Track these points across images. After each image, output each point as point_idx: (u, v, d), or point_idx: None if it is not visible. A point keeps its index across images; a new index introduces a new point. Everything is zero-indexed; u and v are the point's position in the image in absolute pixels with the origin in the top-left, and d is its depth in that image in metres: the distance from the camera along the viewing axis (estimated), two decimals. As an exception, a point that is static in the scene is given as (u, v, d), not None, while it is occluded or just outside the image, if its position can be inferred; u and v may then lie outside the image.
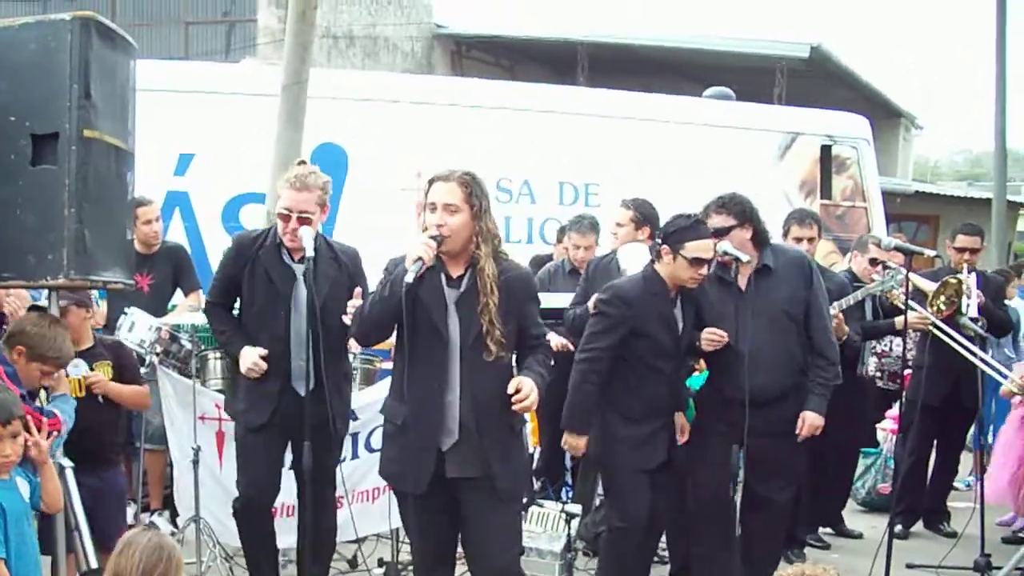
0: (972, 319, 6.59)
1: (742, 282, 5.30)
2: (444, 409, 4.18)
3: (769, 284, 5.29)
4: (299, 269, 4.96)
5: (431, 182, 4.25)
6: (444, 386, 4.18)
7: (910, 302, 5.89)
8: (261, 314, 5.04)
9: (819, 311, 5.40)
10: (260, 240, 5.08)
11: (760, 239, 5.34)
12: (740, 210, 5.29)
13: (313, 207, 4.91)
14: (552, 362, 4.45)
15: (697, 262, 4.99)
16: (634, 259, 5.70)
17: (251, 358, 4.98)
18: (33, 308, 4.62)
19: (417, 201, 4.31)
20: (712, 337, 5.19)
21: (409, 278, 3.97)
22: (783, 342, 5.26)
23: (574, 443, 5.20)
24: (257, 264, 5.03)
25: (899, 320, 6.67)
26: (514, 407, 4.13)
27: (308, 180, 4.91)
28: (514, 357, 4.39)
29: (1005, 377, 6.79)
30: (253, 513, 5.14)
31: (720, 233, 5.22)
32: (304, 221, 4.87)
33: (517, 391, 4.09)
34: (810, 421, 5.28)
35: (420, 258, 4.00)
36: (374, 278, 4.59)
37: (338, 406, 5.06)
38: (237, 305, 5.27)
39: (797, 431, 5.28)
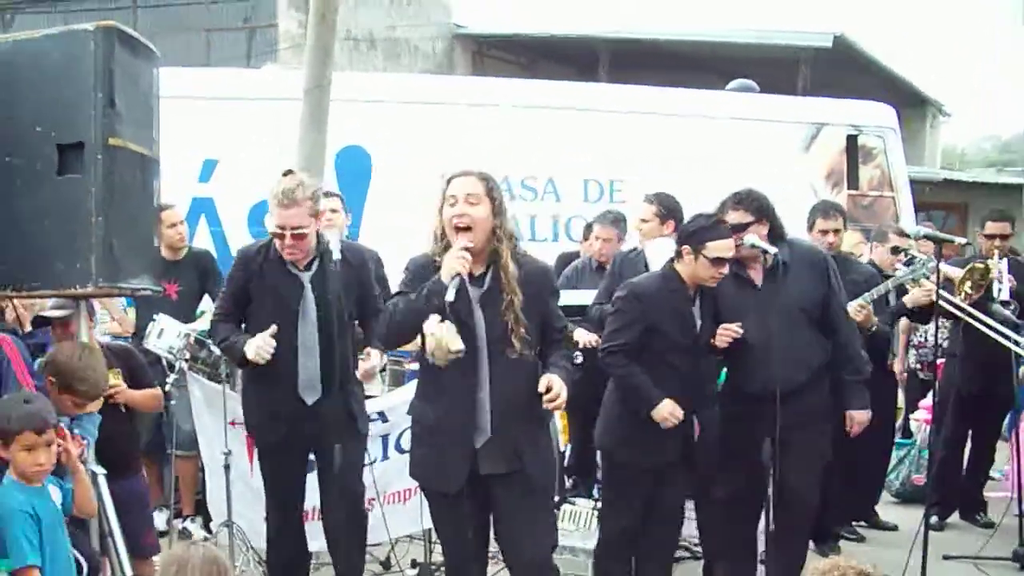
0: (1004, 302, 6.54)
1: (756, 278, 5.28)
2: (475, 407, 4.21)
3: (785, 279, 5.25)
4: (305, 277, 4.95)
5: (449, 180, 4.28)
6: (474, 384, 4.20)
7: (942, 292, 5.84)
8: (267, 324, 4.93)
9: (838, 305, 5.38)
10: (264, 252, 5.03)
11: (776, 235, 5.32)
12: (757, 206, 5.27)
13: (306, 220, 4.83)
14: (581, 358, 4.46)
15: (718, 262, 4.97)
16: (662, 255, 5.67)
17: (257, 341, 4.89)
18: (40, 319, 4.62)
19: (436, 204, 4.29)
20: (726, 334, 5.17)
21: (450, 296, 4.00)
22: (798, 338, 5.22)
23: (664, 413, 4.99)
24: (263, 276, 4.98)
25: (907, 298, 6.64)
26: (546, 406, 4.15)
27: (295, 195, 4.80)
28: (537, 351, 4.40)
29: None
30: (285, 535, 5.18)
31: (737, 229, 5.20)
32: (298, 237, 4.83)
33: (548, 389, 4.11)
34: (857, 419, 5.32)
35: (458, 274, 4.03)
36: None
37: (356, 405, 5.07)
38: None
39: (848, 429, 5.31)
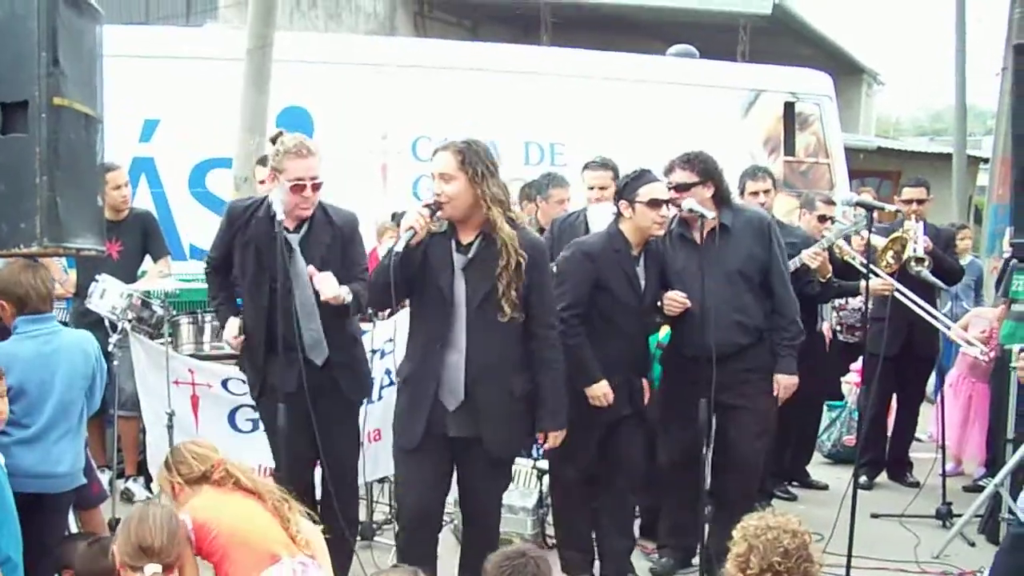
0: (918, 259, 6.76)
1: (699, 239, 5.34)
2: (445, 369, 4.31)
3: (727, 243, 5.36)
4: (295, 239, 4.88)
5: (434, 153, 4.37)
6: (445, 346, 4.30)
7: (862, 259, 6.00)
8: (253, 285, 4.92)
9: (779, 271, 5.49)
10: (251, 210, 4.96)
11: (721, 198, 5.42)
12: (703, 168, 5.37)
13: (320, 171, 4.84)
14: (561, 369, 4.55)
15: (654, 204, 5.05)
16: (604, 219, 5.74)
17: (229, 332, 5.04)
18: None
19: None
20: (674, 303, 5.28)
21: (398, 247, 4.16)
22: (738, 300, 5.35)
23: (598, 393, 5.08)
24: (248, 235, 4.90)
25: (863, 285, 6.85)
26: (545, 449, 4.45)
27: (309, 144, 4.83)
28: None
29: (949, 329, 7.01)
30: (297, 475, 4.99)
31: (681, 189, 5.29)
32: (317, 188, 4.82)
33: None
34: (784, 383, 5.43)
35: (411, 227, 4.17)
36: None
37: (346, 372, 4.97)
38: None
39: (774, 394, 5.42)
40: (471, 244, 4.33)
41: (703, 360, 5.03)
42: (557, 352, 4.53)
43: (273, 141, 4.99)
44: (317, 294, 4.80)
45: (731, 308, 5.31)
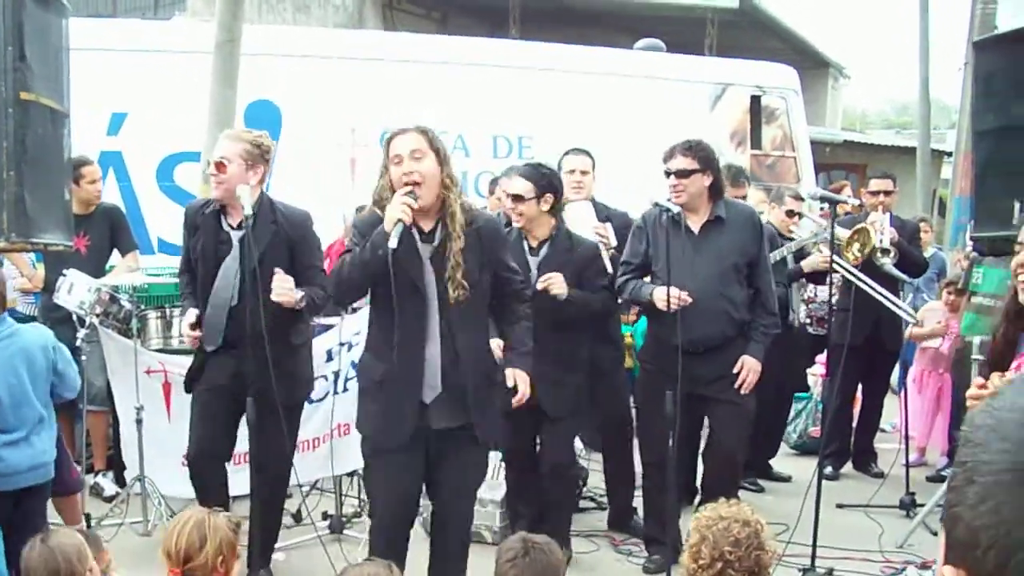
0: (883, 250, 6.84)
1: (694, 228, 5.42)
2: (425, 364, 4.22)
3: (720, 234, 5.41)
4: (236, 235, 4.92)
5: (389, 140, 4.20)
6: (424, 341, 4.20)
7: (825, 250, 6.09)
8: (203, 281, 5.00)
9: (765, 264, 5.56)
10: (201, 208, 5.07)
11: (717, 189, 5.46)
12: (704, 156, 5.40)
13: (233, 154, 4.91)
14: (530, 323, 4.54)
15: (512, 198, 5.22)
16: (580, 218, 5.78)
17: (186, 321, 5.06)
18: None
19: (384, 165, 4.25)
20: (676, 300, 5.21)
21: (393, 243, 3.95)
22: (727, 292, 5.38)
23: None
24: (199, 232, 5.01)
25: (805, 263, 7.00)
26: (514, 404, 4.34)
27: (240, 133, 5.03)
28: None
29: (913, 321, 7.11)
30: (203, 465, 5.13)
31: (681, 175, 5.33)
32: (220, 166, 4.85)
33: (515, 388, 4.34)
34: (749, 365, 5.40)
35: (400, 220, 3.97)
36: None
37: (283, 374, 4.88)
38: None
39: (736, 371, 5.39)
40: (434, 231, 4.21)
41: (689, 352, 5.06)
42: (526, 307, 4.52)
43: None
44: (243, 288, 4.86)
45: (720, 299, 5.35)
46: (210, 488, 5.00)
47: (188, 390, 5.18)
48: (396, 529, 4.37)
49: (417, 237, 4.18)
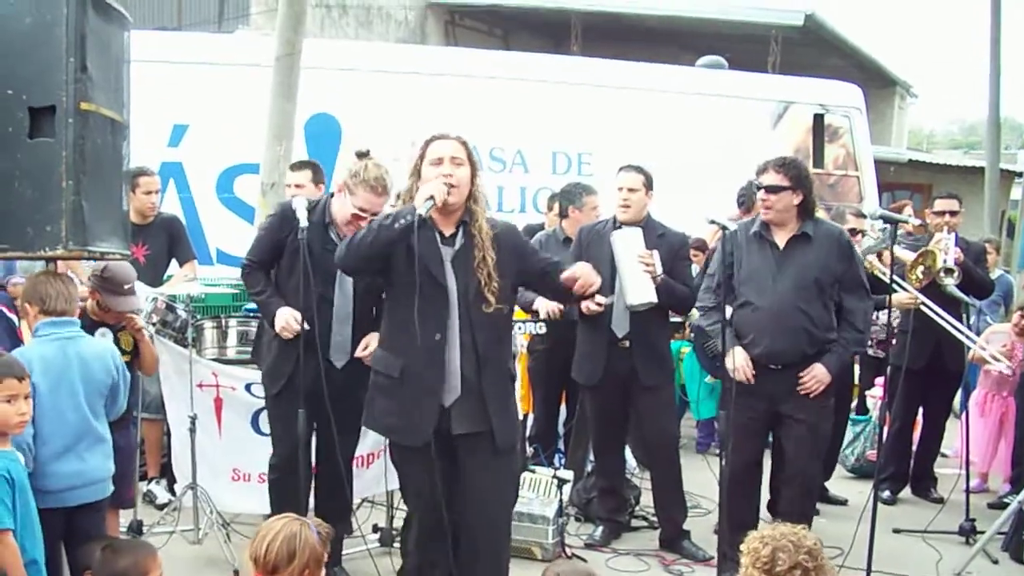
0: (948, 270, 6.71)
1: (780, 242, 5.42)
2: (445, 364, 4.24)
3: (805, 251, 5.38)
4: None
5: (429, 141, 4.34)
6: (444, 340, 4.23)
7: (884, 270, 5.98)
8: (299, 286, 4.92)
9: (856, 284, 5.46)
10: (308, 214, 4.98)
11: (806, 208, 5.43)
12: (796, 174, 5.39)
13: (386, 208, 4.90)
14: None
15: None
16: (628, 246, 5.77)
17: (285, 317, 4.98)
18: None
19: (414, 163, 4.34)
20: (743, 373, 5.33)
21: (422, 210, 4.07)
22: (807, 307, 5.33)
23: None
24: (301, 237, 4.90)
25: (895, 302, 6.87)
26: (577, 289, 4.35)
27: (385, 182, 4.95)
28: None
29: (975, 344, 6.95)
30: (282, 477, 5.11)
31: (771, 191, 5.35)
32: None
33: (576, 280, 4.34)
34: (816, 372, 5.33)
35: (432, 197, 4.11)
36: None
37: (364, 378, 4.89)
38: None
39: (801, 379, 5.33)
40: (454, 236, 4.31)
41: (766, 366, 5.15)
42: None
43: (360, 156, 5.06)
44: (354, 299, 4.98)
45: (801, 314, 5.31)
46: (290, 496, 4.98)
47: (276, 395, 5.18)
48: (430, 524, 4.39)
49: (438, 239, 4.25)
